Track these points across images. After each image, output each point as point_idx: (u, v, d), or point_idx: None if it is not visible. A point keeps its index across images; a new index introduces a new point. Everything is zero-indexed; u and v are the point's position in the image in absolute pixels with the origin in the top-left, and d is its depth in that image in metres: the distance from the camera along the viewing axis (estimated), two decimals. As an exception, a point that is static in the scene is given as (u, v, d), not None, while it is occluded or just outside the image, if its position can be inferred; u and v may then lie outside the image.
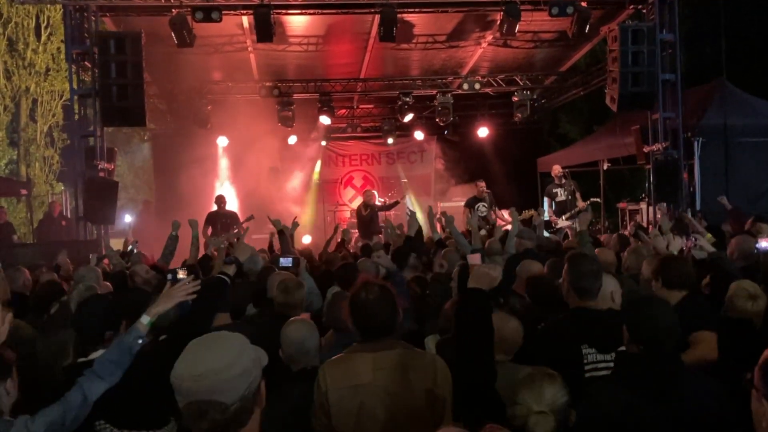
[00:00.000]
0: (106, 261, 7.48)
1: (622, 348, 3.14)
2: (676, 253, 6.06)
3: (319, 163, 17.07)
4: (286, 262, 5.73)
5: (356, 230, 14.09)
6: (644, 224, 11.82)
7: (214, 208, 12.37)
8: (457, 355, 2.80)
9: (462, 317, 2.84)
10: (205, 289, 3.37)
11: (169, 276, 4.59)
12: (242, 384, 1.73)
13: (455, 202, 14.69)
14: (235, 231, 11.41)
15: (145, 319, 2.97)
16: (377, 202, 13.68)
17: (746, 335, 3.54)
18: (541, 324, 3.65)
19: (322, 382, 2.80)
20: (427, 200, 16.18)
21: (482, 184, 12.46)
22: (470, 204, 12.37)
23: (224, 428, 1.70)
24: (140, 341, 2.89)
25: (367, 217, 12.63)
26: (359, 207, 13.08)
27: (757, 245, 5.82)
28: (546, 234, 11.58)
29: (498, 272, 2.89)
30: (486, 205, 12.26)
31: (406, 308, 3.90)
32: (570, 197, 11.98)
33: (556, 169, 12.30)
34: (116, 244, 11.52)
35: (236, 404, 1.71)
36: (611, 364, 3.06)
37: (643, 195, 13.31)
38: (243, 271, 5.20)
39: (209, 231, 11.86)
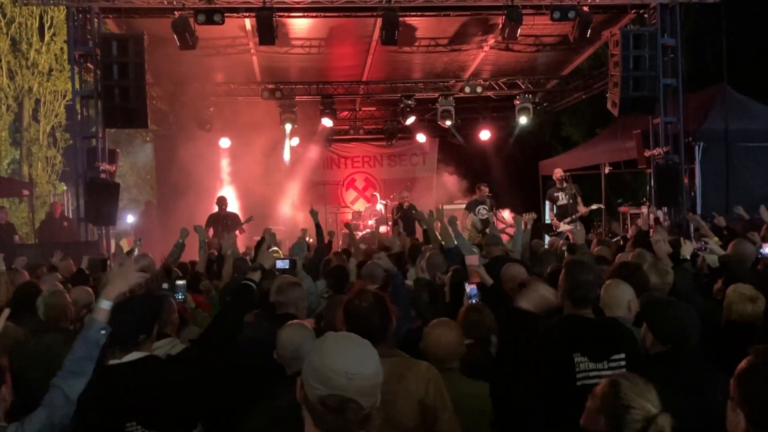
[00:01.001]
0: (109, 262, 7.51)
1: (618, 356, 3.17)
2: (688, 257, 6.08)
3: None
4: (282, 264, 5.78)
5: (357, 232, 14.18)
6: (645, 228, 11.82)
7: (216, 209, 12.41)
8: (498, 377, 2.78)
9: (509, 341, 2.81)
10: (233, 294, 3.47)
11: (165, 286, 4.65)
12: (378, 393, 1.81)
13: (457, 204, 14.70)
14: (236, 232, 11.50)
15: (106, 305, 2.90)
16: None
17: (749, 338, 3.55)
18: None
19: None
20: (429, 202, 16.18)
21: (484, 188, 12.48)
22: (471, 207, 12.39)
23: (349, 428, 1.76)
24: (103, 332, 2.85)
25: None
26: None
27: (761, 250, 5.83)
28: (547, 237, 11.67)
29: (552, 294, 2.87)
30: (487, 207, 12.27)
31: (400, 316, 3.90)
32: (571, 201, 11.99)
33: (558, 173, 12.32)
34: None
35: (369, 410, 1.78)
36: (603, 373, 3.06)
37: (645, 199, 13.31)
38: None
39: (210, 232, 11.89)
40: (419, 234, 11.63)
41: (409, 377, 2.81)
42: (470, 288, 4.31)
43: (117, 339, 3.07)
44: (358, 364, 1.76)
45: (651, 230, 11.24)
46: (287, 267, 5.72)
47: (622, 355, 3.16)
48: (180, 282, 4.69)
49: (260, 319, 4.58)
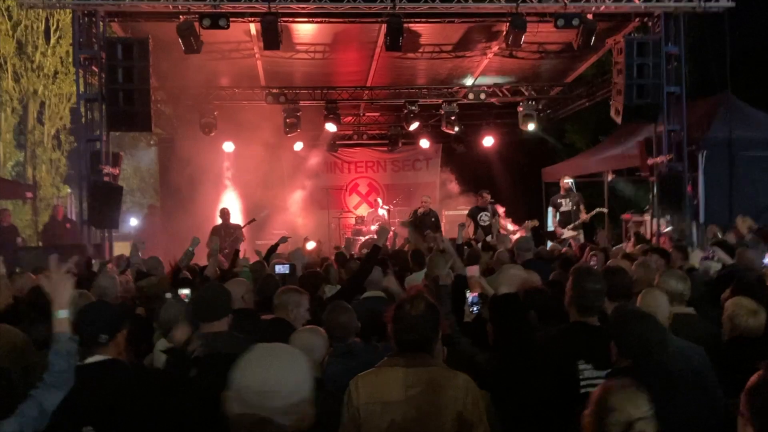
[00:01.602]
0: (110, 266, 7.52)
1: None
2: (696, 265, 6.07)
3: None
4: (282, 269, 5.84)
5: (360, 237, 14.21)
6: (647, 236, 11.80)
7: (219, 221, 12.44)
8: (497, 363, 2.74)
9: (499, 324, 2.76)
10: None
11: (168, 295, 4.66)
12: (303, 408, 1.70)
13: (459, 210, 14.72)
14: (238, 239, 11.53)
15: (63, 314, 2.90)
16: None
17: (753, 352, 3.54)
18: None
19: (354, 396, 2.77)
20: (433, 208, 16.18)
21: (487, 195, 12.48)
22: (473, 213, 12.39)
23: None
24: (73, 341, 2.86)
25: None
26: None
27: (765, 260, 5.83)
28: (550, 244, 11.67)
29: (522, 271, 2.86)
30: (489, 214, 12.28)
31: (452, 323, 3.89)
32: (575, 208, 12.00)
33: (565, 181, 12.31)
34: (121, 248, 11.63)
35: (291, 428, 1.68)
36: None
37: (648, 207, 13.30)
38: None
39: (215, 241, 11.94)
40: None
41: (448, 389, 2.75)
42: (471, 296, 4.28)
43: (80, 338, 3.05)
44: (273, 382, 1.66)
45: (653, 239, 11.28)
46: (287, 272, 5.76)
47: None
48: (184, 291, 4.70)
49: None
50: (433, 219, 13.05)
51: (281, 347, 1.81)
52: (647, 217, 12.97)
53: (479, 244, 9.62)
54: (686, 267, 6.12)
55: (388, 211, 15.53)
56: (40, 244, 13.15)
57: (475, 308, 4.18)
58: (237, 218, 13.26)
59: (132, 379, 3.09)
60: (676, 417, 2.54)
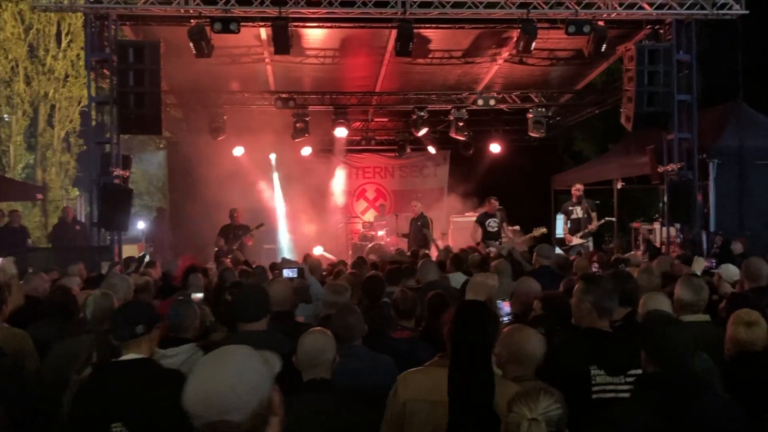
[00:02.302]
0: (118, 268, 7.54)
1: (636, 371, 3.14)
2: (699, 273, 6.04)
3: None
4: (290, 273, 5.88)
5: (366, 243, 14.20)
6: (656, 244, 11.77)
7: (228, 221, 12.52)
8: (451, 370, 2.75)
9: (459, 330, 2.76)
10: None
11: (180, 298, 4.67)
12: (252, 400, 1.69)
13: (467, 217, 14.68)
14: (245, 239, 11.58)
15: None
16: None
17: (755, 366, 3.51)
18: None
19: (401, 391, 2.77)
20: (440, 214, 16.19)
21: (495, 201, 12.45)
22: (481, 220, 12.37)
23: None
24: None
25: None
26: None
27: None
28: (559, 251, 11.64)
29: (495, 281, 2.84)
30: (497, 221, 12.25)
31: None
32: (585, 216, 11.97)
33: (577, 188, 12.28)
34: (129, 251, 11.67)
35: (248, 422, 1.68)
36: (619, 387, 3.05)
37: (657, 215, 13.25)
38: None
39: (221, 242, 12.01)
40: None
41: (497, 395, 2.66)
42: (504, 306, 4.26)
43: (117, 331, 3.14)
44: (207, 385, 1.67)
45: (663, 248, 11.23)
46: (295, 276, 5.80)
47: (640, 370, 3.14)
48: (197, 295, 4.71)
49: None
50: (419, 223, 13.07)
51: (215, 353, 1.80)
52: (657, 226, 12.92)
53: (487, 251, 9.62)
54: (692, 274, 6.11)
55: (396, 217, 15.51)
56: (50, 245, 13.19)
57: (506, 318, 4.17)
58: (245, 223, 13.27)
59: (164, 378, 3.08)
60: (701, 422, 2.51)
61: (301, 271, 6.07)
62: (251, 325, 3.82)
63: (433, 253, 10.33)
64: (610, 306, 3.40)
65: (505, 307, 4.28)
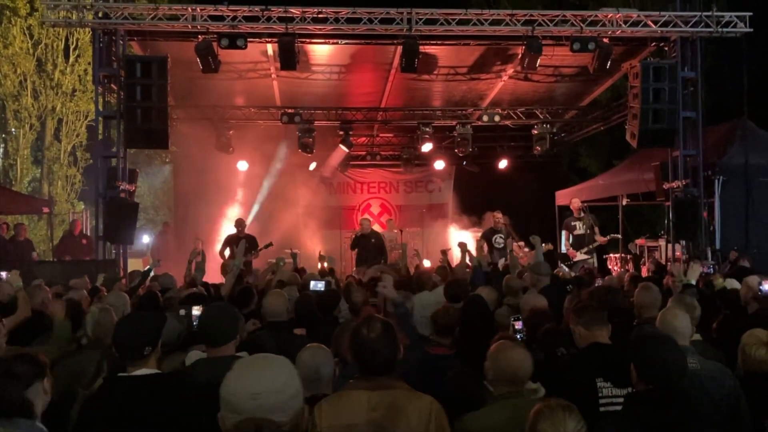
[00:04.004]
0: (123, 281, 7.54)
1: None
2: (693, 281, 6.03)
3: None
4: (318, 285, 5.83)
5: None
6: (662, 261, 11.72)
7: (234, 231, 12.49)
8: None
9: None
10: None
11: (182, 311, 4.65)
12: (295, 405, 1.83)
13: (472, 232, 14.67)
14: (252, 254, 11.54)
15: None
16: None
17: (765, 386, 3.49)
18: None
19: (317, 419, 2.76)
20: (445, 230, 16.16)
21: (499, 216, 12.43)
22: (487, 236, 12.33)
23: None
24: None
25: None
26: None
27: (761, 287, 5.75)
28: (564, 267, 11.60)
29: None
30: (503, 236, 12.21)
31: (407, 344, 3.86)
32: (588, 231, 11.94)
33: (576, 203, 12.28)
34: (134, 264, 11.68)
35: (288, 424, 1.78)
36: None
37: (662, 232, 13.21)
38: None
39: (227, 252, 11.98)
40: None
41: (411, 411, 2.73)
42: (517, 325, 4.28)
43: (123, 351, 3.08)
44: (260, 383, 1.79)
45: (668, 264, 11.19)
46: (322, 289, 5.76)
47: None
48: (196, 311, 4.69)
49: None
50: (373, 240, 12.66)
51: (257, 358, 1.93)
52: (662, 242, 12.89)
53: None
54: (684, 283, 6.08)
55: (401, 232, 15.49)
56: (55, 258, 13.21)
57: (519, 335, 4.20)
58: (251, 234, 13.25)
59: (178, 392, 3.04)
60: None
61: (328, 284, 6.03)
62: (216, 351, 3.48)
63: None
64: (600, 323, 3.45)
65: (517, 325, 4.28)
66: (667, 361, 2.84)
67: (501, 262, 10.89)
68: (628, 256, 13.44)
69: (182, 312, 4.82)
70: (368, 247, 12.45)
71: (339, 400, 2.81)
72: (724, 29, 10.78)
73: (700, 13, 10.80)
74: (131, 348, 3.06)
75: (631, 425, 2.69)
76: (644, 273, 11.25)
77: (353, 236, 12.99)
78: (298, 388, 1.86)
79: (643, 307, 4.65)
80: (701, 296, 5.58)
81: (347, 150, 15.06)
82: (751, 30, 10.77)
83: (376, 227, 16.94)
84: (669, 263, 11.27)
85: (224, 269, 10.84)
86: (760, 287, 5.70)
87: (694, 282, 6.13)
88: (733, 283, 6.17)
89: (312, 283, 6.00)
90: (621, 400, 3.08)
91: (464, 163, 16.41)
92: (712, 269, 7.32)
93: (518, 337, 4.18)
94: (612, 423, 2.89)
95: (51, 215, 16.07)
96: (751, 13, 10.80)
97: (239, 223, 12.61)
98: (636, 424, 2.65)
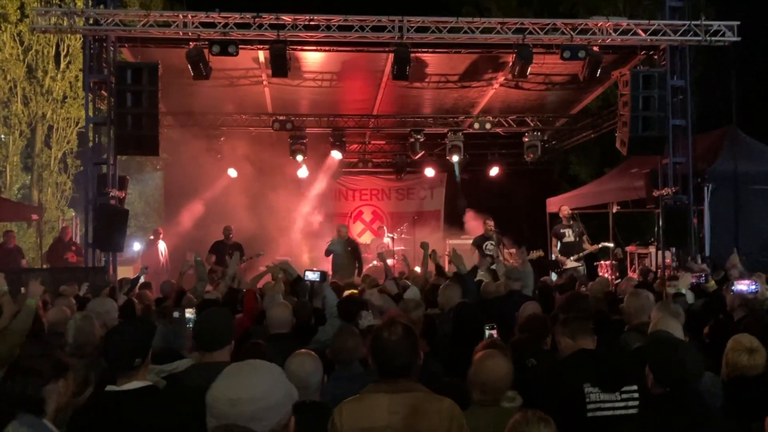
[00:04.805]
0: (107, 290, 7.49)
1: (630, 387, 3.15)
2: (684, 291, 6.05)
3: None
4: (313, 275, 5.77)
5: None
6: (652, 268, 11.77)
7: (222, 238, 12.45)
8: None
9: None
10: None
11: (176, 314, 4.62)
12: (275, 415, 1.77)
13: (464, 239, 14.67)
14: (242, 260, 11.49)
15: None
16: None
17: (750, 391, 3.51)
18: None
19: (337, 421, 2.77)
20: (437, 237, 16.16)
21: (491, 223, 12.46)
22: (478, 243, 12.36)
23: None
24: None
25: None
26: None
27: (733, 287, 5.79)
28: (554, 274, 11.64)
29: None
30: (494, 243, 12.25)
31: (427, 350, 3.87)
32: (578, 239, 11.98)
33: (565, 210, 12.32)
34: (124, 272, 11.61)
35: None
36: (616, 405, 3.05)
37: (653, 239, 13.26)
38: None
39: (213, 259, 11.94)
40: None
41: (431, 414, 2.73)
42: (489, 332, 4.31)
43: (113, 363, 3.02)
44: (240, 390, 1.75)
45: (658, 271, 11.24)
46: (318, 279, 5.70)
47: (634, 387, 3.17)
48: (189, 315, 4.65)
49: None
50: (349, 248, 12.61)
51: (250, 362, 1.91)
52: (652, 249, 12.93)
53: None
54: (673, 292, 6.11)
55: (392, 239, 15.49)
56: (44, 266, 13.12)
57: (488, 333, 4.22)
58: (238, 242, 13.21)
59: (173, 405, 2.98)
60: None
61: (323, 275, 5.93)
62: (211, 356, 3.46)
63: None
64: (586, 333, 3.48)
65: (494, 333, 4.30)
66: (685, 363, 2.86)
67: (492, 267, 10.92)
68: (612, 262, 13.53)
69: (176, 315, 4.79)
70: (344, 254, 12.39)
71: (359, 403, 2.81)
72: (713, 38, 10.86)
73: (689, 22, 10.88)
74: (121, 359, 2.99)
75: (649, 428, 2.69)
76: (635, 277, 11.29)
77: (330, 243, 12.88)
78: (282, 399, 1.81)
79: (633, 313, 4.68)
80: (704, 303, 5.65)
81: (339, 156, 15.05)
82: (739, 39, 10.86)
83: (368, 234, 17.00)
84: (673, 271, 11.31)
85: (210, 276, 10.79)
86: (732, 287, 5.74)
87: (684, 291, 6.15)
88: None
89: (307, 273, 5.95)
90: (609, 405, 3.09)
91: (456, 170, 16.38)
92: (704, 278, 7.32)
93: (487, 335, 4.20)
94: (631, 427, 2.90)
95: (40, 222, 15.98)
96: (739, 23, 10.89)
97: (227, 231, 12.57)
98: (654, 426, 2.66)
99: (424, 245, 7.81)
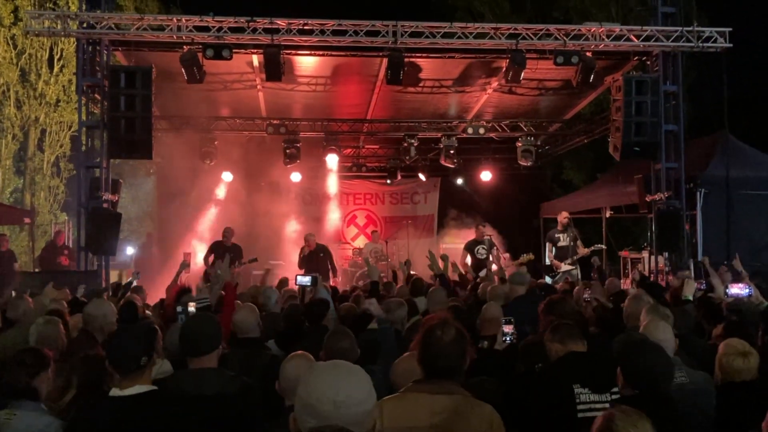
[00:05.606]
0: (106, 294, 7.46)
1: (618, 388, 3.16)
2: (691, 297, 6.06)
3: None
4: (304, 280, 5.79)
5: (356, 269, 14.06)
6: (645, 273, 11.79)
7: (221, 238, 12.40)
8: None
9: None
10: None
11: (180, 309, 4.59)
12: (371, 420, 1.79)
13: (457, 244, 14.68)
14: (237, 264, 11.45)
15: None
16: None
17: (744, 396, 3.52)
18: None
19: (378, 418, 2.70)
20: (430, 241, 16.17)
21: (483, 228, 12.50)
22: (470, 247, 12.40)
23: None
24: None
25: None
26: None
27: (726, 290, 5.81)
28: (548, 278, 11.67)
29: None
30: (485, 247, 12.28)
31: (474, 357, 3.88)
32: (572, 244, 12.01)
33: (563, 217, 12.34)
34: (115, 276, 11.57)
35: None
36: (606, 405, 3.05)
37: (645, 244, 13.31)
38: None
39: (211, 259, 11.87)
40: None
41: (472, 418, 2.70)
42: (506, 328, 4.37)
43: (119, 363, 2.98)
44: (345, 391, 1.74)
45: (651, 276, 11.27)
46: (309, 284, 5.71)
47: None
48: (191, 309, 4.62)
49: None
50: (321, 255, 12.51)
51: (339, 364, 1.89)
52: (645, 254, 12.97)
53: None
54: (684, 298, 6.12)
55: (386, 244, 15.48)
56: (37, 270, 13.07)
57: (507, 338, 4.26)
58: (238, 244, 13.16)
59: (181, 408, 2.98)
60: None
61: (314, 280, 5.92)
62: (199, 361, 3.36)
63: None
64: (575, 338, 3.50)
65: (506, 328, 4.33)
66: (653, 365, 2.86)
67: (483, 273, 10.97)
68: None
69: (179, 309, 4.75)
70: (317, 261, 12.26)
71: (400, 402, 2.78)
72: (705, 44, 10.92)
73: (681, 28, 10.94)
74: (127, 360, 2.97)
75: None
76: (627, 284, 11.33)
77: (300, 254, 12.71)
78: (374, 403, 1.81)
79: (631, 316, 4.71)
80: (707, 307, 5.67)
81: (334, 160, 15.04)
82: (731, 45, 10.92)
83: (362, 238, 16.99)
84: (652, 275, 11.35)
85: (206, 276, 10.76)
86: (726, 290, 5.76)
87: (691, 297, 6.14)
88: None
89: (298, 278, 5.97)
90: (599, 405, 3.10)
91: (451, 172, 16.39)
92: (705, 285, 7.35)
93: (507, 340, 4.22)
94: None
95: (33, 226, 15.93)
96: (731, 29, 10.95)
97: (226, 232, 12.53)
98: None
99: (444, 257, 7.72)
